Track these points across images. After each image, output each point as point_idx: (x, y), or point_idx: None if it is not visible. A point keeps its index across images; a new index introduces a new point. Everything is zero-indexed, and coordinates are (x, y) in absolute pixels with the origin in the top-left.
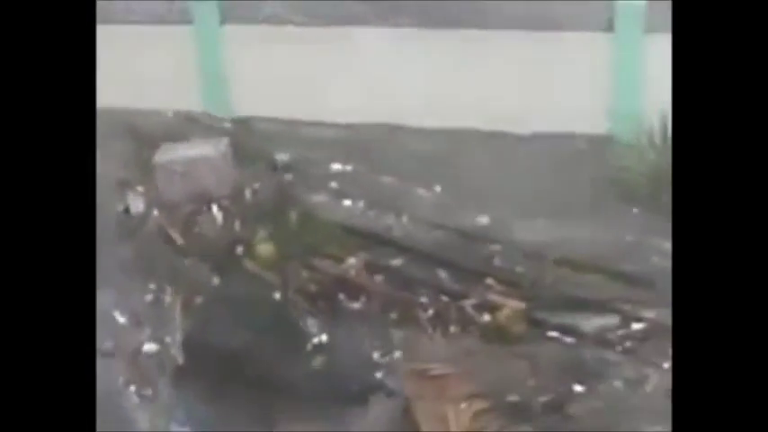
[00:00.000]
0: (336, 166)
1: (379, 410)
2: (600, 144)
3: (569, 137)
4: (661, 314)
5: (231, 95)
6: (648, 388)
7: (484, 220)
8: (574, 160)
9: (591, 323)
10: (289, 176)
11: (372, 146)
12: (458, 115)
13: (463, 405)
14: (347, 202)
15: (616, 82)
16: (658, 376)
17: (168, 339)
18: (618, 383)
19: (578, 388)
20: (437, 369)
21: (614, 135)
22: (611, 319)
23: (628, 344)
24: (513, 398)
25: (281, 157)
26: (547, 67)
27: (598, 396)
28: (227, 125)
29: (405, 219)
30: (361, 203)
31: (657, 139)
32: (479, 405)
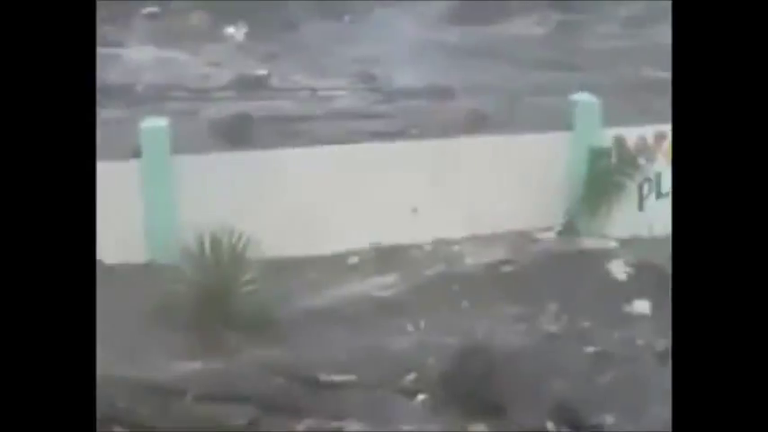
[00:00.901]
0: None
1: None
2: (142, 272)
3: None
4: None
5: None
6: None
7: None
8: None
9: None
10: None
11: None
12: None
13: None
14: None
15: (148, 207)
16: None
17: None
18: None
19: None
20: None
21: (154, 260)
22: None
23: None
24: None
25: None
26: None
27: None
28: None
29: None
30: None
31: (196, 258)
32: None
